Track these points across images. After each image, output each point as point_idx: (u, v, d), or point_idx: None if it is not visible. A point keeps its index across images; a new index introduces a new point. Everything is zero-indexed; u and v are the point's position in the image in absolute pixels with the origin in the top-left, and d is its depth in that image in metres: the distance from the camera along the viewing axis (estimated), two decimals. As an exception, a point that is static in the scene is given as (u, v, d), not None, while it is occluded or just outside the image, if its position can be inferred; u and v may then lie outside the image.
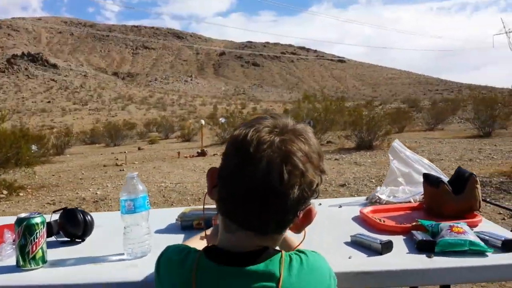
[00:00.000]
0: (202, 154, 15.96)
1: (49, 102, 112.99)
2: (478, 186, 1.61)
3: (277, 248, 0.94)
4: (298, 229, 0.95)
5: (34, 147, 13.20)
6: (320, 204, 1.97)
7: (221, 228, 0.94)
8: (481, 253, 1.28)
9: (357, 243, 1.41)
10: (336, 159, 12.18)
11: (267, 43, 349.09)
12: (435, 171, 1.87)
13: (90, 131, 36.43)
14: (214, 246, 0.94)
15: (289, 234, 1.05)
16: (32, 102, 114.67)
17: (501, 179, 7.60)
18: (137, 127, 42.54)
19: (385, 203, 1.86)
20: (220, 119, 22.40)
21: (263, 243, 0.89)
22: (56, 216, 1.61)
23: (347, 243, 1.43)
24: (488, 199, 2.00)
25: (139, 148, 22.88)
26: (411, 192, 1.86)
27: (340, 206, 1.91)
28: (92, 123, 59.51)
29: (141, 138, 33.81)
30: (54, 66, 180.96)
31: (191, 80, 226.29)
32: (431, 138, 16.97)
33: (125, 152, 20.85)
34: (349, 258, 1.30)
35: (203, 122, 18.27)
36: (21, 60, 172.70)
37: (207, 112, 68.48)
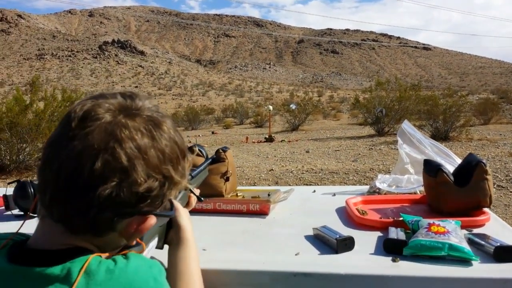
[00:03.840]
0: (270, 140, 15.87)
1: (136, 87, 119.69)
2: (489, 177, 1.25)
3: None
4: (127, 238, 0.75)
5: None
6: (314, 191, 1.73)
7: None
8: (464, 261, 0.98)
9: (318, 238, 1.16)
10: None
11: (347, 30, 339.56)
12: (451, 158, 1.54)
13: (172, 115, 37.92)
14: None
15: None
16: (121, 86, 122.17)
17: None
18: (215, 113, 43.57)
19: (385, 193, 1.57)
20: (291, 105, 22.06)
21: (77, 242, 0.70)
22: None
23: (307, 237, 1.18)
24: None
25: (212, 132, 23.44)
26: (418, 182, 1.54)
27: (334, 195, 1.65)
28: (175, 107, 61.87)
29: (218, 123, 34.49)
30: (142, 53, 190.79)
31: (269, 67, 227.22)
32: (520, 131, 15.42)
33: (198, 135, 21.44)
34: (296, 255, 1.07)
35: (271, 108, 18.09)
36: (111, 47, 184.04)
37: (283, 99, 68.27)
